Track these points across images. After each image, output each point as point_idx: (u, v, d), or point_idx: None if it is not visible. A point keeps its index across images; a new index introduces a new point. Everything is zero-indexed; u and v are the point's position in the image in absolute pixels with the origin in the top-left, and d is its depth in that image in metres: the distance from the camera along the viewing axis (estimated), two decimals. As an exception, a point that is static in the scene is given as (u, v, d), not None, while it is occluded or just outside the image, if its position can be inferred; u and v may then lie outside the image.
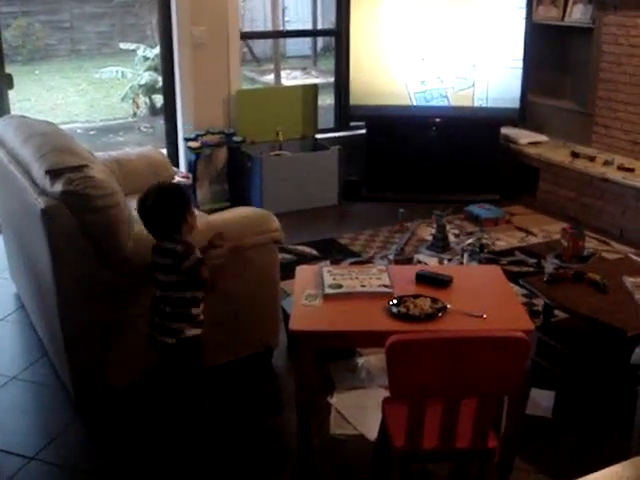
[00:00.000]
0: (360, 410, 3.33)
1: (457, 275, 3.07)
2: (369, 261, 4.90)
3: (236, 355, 3.59)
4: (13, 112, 5.49)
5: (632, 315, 3.34)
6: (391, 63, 6.05)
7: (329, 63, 11.47)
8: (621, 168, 5.57)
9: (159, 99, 10.56)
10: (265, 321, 3.65)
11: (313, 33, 14.05)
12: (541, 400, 3.37)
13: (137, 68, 11.71)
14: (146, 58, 11.66)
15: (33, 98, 11.75)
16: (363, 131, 6.43)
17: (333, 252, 5.11)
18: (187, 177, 5.79)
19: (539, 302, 4.03)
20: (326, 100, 8.50)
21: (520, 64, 5.97)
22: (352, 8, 5.97)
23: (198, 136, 5.92)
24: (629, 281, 3.61)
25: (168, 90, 6.13)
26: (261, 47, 13.79)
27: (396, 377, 2.29)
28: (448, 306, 2.78)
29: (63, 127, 4.16)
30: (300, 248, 5.11)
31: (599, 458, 3.04)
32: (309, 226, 5.61)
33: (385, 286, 2.94)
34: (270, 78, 12.92)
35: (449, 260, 4.89)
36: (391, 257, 4.94)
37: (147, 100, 11.62)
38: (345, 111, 6.35)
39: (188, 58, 5.90)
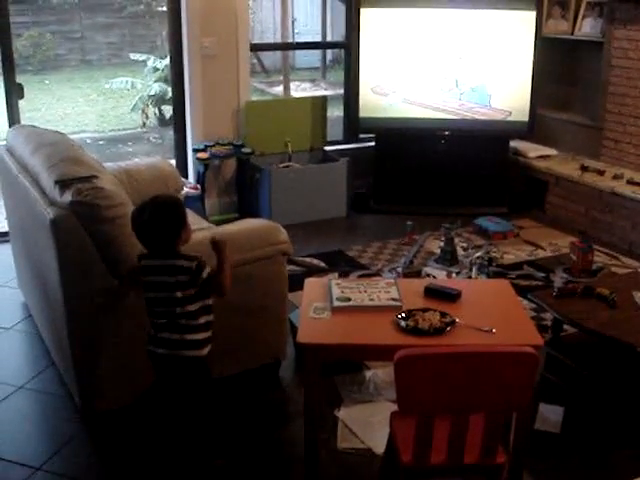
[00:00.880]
0: (367, 424, 3.32)
1: (466, 289, 3.06)
2: (377, 274, 4.89)
3: (244, 367, 3.58)
4: (23, 121, 5.51)
5: (642, 330, 3.33)
6: (402, 76, 6.06)
7: (338, 75, 11.51)
8: (630, 182, 5.55)
9: (168, 110, 10.61)
10: (273, 333, 3.64)
11: (323, 45, 14.12)
12: (550, 415, 3.35)
13: (147, 79, 11.75)
14: (156, 69, 11.70)
15: (43, 108, 11.80)
16: (372, 143, 6.43)
17: (341, 264, 5.10)
18: (196, 188, 5.79)
19: (548, 316, 4.02)
20: (334, 112, 8.52)
21: (530, 77, 5.97)
22: (362, 21, 5.98)
23: (207, 147, 5.93)
24: (639, 296, 3.60)
25: (178, 101, 6.14)
26: (270, 59, 13.83)
27: (404, 391, 2.28)
28: (457, 320, 2.77)
29: (72, 137, 4.16)
30: (308, 260, 5.10)
31: (608, 475, 3.04)
32: (317, 238, 5.61)
33: (394, 299, 2.93)
34: (279, 90, 12.94)
35: (457, 273, 4.87)
36: (399, 270, 4.93)
37: (156, 111, 11.67)
38: (354, 123, 6.36)
39: (198, 69, 5.91)
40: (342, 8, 6.99)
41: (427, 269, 4.97)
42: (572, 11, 6.27)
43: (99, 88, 12.87)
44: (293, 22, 14.23)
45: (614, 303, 3.53)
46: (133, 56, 12.35)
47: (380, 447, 2.93)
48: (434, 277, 4.75)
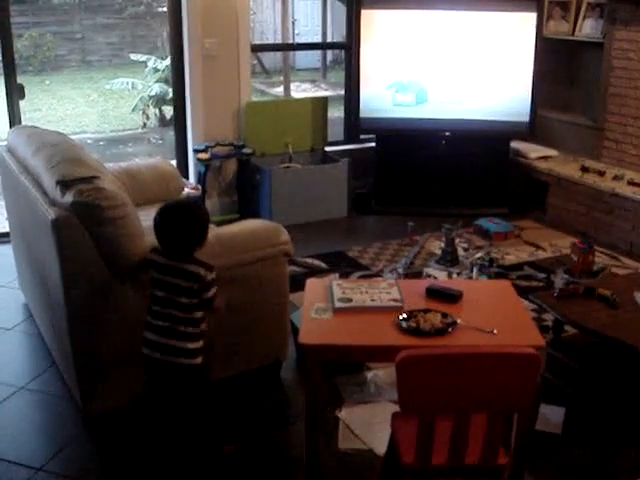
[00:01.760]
0: (369, 424, 3.32)
1: (467, 290, 3.06)
2: (378, 274, 4.89)
3: (245, 367, 3.58)
4: (24, 122, 5.52)
5: (643, 331, 3.33)
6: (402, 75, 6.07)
7: (338, 75, 11.52)
8: (631, 183, 5.56)
9: (169, 110, 10.63)
10: (274, 334, 3.64)
11: (323, 46, 14.13)
12: (551, 416, 3.35)
13: (147, 79, 11.77)
14: (156, 70, 11.72)
15: (44, 108, 11.81)
16: (373, 144, 6.43)
17: (342, 265, 5.10)
18: (196, 189, 5.79)
19: (548, 317, 4.02)
20: (335, 112, 8.52)
21: (530, 78, 5.97)
22: (362, 21, 5.98)
23: (208, 148, 5.93)
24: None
25: (178, 101, 6.14)
26: (271, 59, 13.85)
27: (406, 392, 2.27)
28: (458, 321, 2.77)
29: (73, 137, 4.16)
30: (309, 261, 5.10)
31: (610, 475, 3.04)
32: (318, 239, 5.61)
33: (395, 300, 2.93)
34: (280, 90, 12.96)
35: (458, 274, 4.88)
36: (400, 271, 4.93)
37: (157, 111, 11.68)
38: (355, 124, 6.36)
39: (198, 70, 5.91)
40: (342, 9, 6.99)
41: (428, 270, 4.98)
42: (573, 12, 6.27)
43: (100, 89, 12.89)
44: (293, 23, 14.23)
45: (615, 304, 3.53)
46: (134, 57, 12.37)
47: (381, 448, 2.93)
48: (435, 278, 4.75)
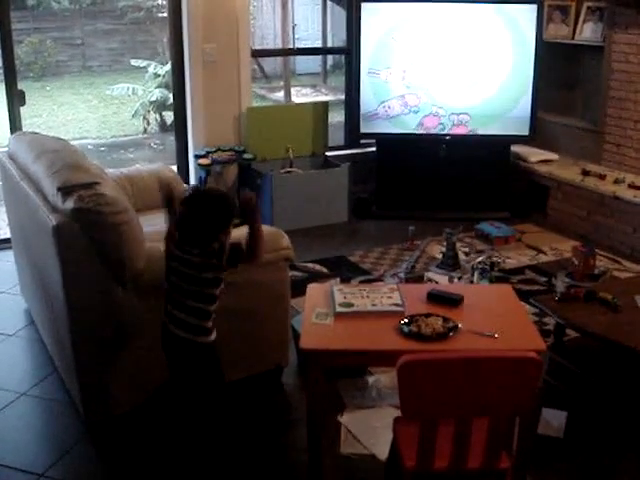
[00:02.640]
0: (370, 429, 3.31)
1: (468, 294, 3.06)
2: (379, 279, 4.89)
3: (246, 372, 3.58)
4: (25, 128, 5.52)
5: (644, 334, 3.32)
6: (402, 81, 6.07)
7: (339, 80, 11.52)
8: (632, 186, 5.56)
9: (169, 116, 10.64)
10: (275, 339, 3.64)
11: (323, 51, 14.11)
12: (553, 420, 3.34)
13: (148, 85, 11.79)
14: (157, 75, 11.73)
15: (44, 114, 11.82)
16: (373, 149, 6.44)
17: (343, 270, 5.10)
18: (197, 194, 5.78)
19: (550, 321, 4.02)
20: (336, 117, 8.53)
21: (530, 82, 5.98)
22: (362, 26, 5.99)
23: (208, 153, 5.93)
24: (641, 300, 3.60)
25: (179, 107, 6.15)
26: (271, 64, 13.86)
27: (408, 397, 2.27)
28: (460, 325, 2.77)
29: (74, 143, 4.17)
30: (310, 266, 5.10)
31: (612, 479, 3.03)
32: (319, 243, 5.61)
33: (396, 305, 2.93)
34: (280, 95, 12.98)
35: (459, 278, 4.87)
36: (402, 275, 4.93)
37: (157, 117, 11.69)
38: (355, 128, 6.36)
39: (199, 75, 5.92)
40: (342, 13, 7.00)
41: (429, 274, 4.97)
42: (572, 16, 6.28)
43: (100, 94, 12.90)
44: (293, 28, 14.26)
45: (617, 307, 3.53)
46: (134, 62, 12.38)
47: (383, 452, 2.93)
48: (436, 282, 4.75)
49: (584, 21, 6.19)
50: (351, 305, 2.93)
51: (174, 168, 5.92)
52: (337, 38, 13.27)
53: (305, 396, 3.02)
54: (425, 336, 2.69)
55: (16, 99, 5.43)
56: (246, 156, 6.03)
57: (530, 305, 3.86)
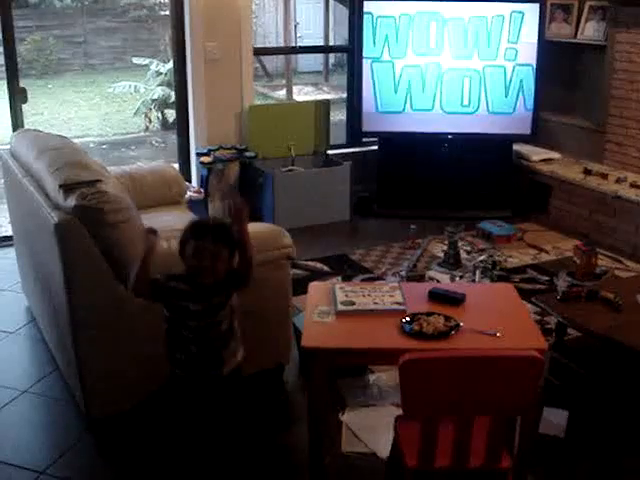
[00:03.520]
0: (372, 428, 3.31)
1: (470, 293, 3.06)
2: (381, 277, 4.89)
3: (247, 371, 3.57)
4: (27, 126, 5.52)
5: (646, 334, 3.32)
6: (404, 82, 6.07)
7: (341, 78, 11.52)
8: (634, 185, 5.55)
9: (171, 114, 10.64)
10: (277, 337, 3.64)
11: (325, 49, 14.12)
12: (554, 419, 3.34)
13: (150, 83, 11.79)
14: (159, 73, 11.74)
15: (46, 112, 11.83)
16: (375, 147, 6.44)
17: (345, 268, 5.10)
18: (199, 192, 5.79)
19: (551, 320, 4.02)
20: (337, 115, 8.52)
21: (533, 80, 5.98)
22: (365, 24, 5.98)
23: (210, 151, 5.93)
24: (643, 299, 3.60)
25: (181, 105, 6.15)
26: (273, 63, 13.87)
27: (409, 395, 2.27)
28: (461, 324, 2.76)
29: (76, 141, 4.17)
30: (312, 264, 5.10)
31: (614, 479, 3.03)
32: (321, 242, 5.60)
33: (398, 303, 2.93)
34: (282, 93, 12.98)
35: (461, 277, 4.87)
36: (403, 274, 4.92)
37: (159, 115, 11.69)
38: (357, 127, 6.36)
39: (201, 73, 5.92)
40: (344, 11, 7.00)
41: (431, 273, 4.98)
42: (575, 15, 6.27)
43: (102, 92, 12.92)
44: (296, 26, 14.26)
45: (619, 307, 3.52)
46: (136, 60, 12.40)
47: (385, 451, 2.93)
48: (438, 281, 4.75)
49: (586, 20, 6.18)
50: (353, 303, 2.92)
51: (176, 166, 5.91)
52: (339, 36, 13.27)
53: (306, 394, 3.02)
54: (427, 335, 2.69)
55: (18, 97, 5.43)
56: (248, 154, 6.03)
57: (532, 304, 3.86)
